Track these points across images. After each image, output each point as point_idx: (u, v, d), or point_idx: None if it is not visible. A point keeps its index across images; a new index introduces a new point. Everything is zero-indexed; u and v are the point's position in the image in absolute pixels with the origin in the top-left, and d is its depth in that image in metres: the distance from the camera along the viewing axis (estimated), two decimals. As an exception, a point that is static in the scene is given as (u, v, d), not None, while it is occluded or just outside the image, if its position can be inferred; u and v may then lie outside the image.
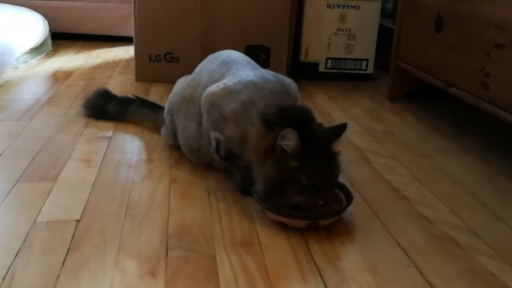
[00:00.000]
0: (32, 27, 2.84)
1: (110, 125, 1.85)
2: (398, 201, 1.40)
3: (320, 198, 1.19)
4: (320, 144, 1.20)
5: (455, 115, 2.15)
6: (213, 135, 1.37)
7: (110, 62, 2.87)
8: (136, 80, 2.50)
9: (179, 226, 1.21)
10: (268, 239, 1.18)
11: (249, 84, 1.33)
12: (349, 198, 1.28)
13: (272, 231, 1.21)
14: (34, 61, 2.79)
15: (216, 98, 1.35)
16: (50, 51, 3.04)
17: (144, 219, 1.24)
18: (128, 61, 2.87)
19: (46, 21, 3.04)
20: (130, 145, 1.70)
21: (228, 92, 1.34)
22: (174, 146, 1.63)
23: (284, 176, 1.18)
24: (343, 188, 1.33)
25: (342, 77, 2.66)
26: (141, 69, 2.49)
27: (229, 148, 1.34)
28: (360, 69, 2.65)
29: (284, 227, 1.22)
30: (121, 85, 2.39)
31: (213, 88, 1.39)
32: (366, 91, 2.51)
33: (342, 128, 1.25)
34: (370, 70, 2.66)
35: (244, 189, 1.38)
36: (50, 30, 3.10)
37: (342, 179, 1.42)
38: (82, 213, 1.25)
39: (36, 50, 2.84)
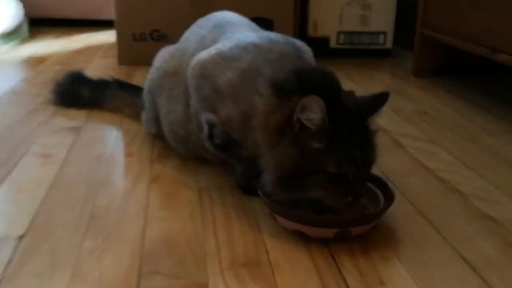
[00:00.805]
0: (3, 10, 2.51)
1: (83, 113, 1.53)
2: (450, 196, 1.07)
3: (351, 193, 0.86)
4: (353, 119, 0.87)
5: (498, 89, 1.81)
6: (205, 117, 1.04)
7: (91, 47, 2.54)
8: (119, 64, 2.17)
9: (159, 242, 0.88)
10: (281, 256, 0.85)
11: (250, 47, 1.00)
12: (389, 196, 0.95)
13: (287, 244, 0.88)
14: (6, 47, 2.46)
15: (207, 68, 1.03)
16: (26, 37, 2.71)
17: (111, 233, 0.91)
18: (112, 45, 2.52)
19: (21, 4, 2.70)
20: (104, 136, 1.38)
21: (223, 58, 1.01)
22: (159, 136, 1.30)
23: (304, 162, 0.85)
24: (378, 181, 0.99)
25: (357, 53, 2.32)
26: (124, 50, 2.17)
27: (226, 133, 1.01)
28: (377, 44, 2.31)
29: (303, 238, 0.89)
30: (101, 70, 2.06)
31: (203, 55, 1.06)
32: (385, 67, 2.17)
33: (382, 98, 0.91)
34: (388, 44, 2.32)
35: (248, 186, 1.05)
36: (27, 15, 2.76)
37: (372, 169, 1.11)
38: (29, 226, 0.92)
39: (8, 36, 2.51)
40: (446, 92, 1.79)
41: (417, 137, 1.37)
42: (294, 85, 0.88)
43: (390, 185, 0.97)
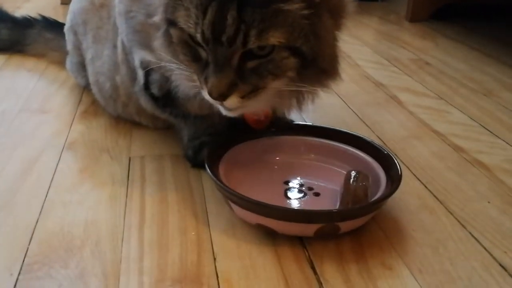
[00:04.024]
0: None
1: (-2, 58, 1.21)
2: (471, 170, 0.79)
3: (204, 66, 0.59)
4: None
5: (507, 37, 1.52)
6: (139, 58, 0.75)
7: (36, -15, 2.17)
8: (62, 3, 1.83)
9: (53, 242, 0.59)
10: (236, 264, 0.57)
11: None
12: (393, 174, 0.66)
13: (246, 246, 0.60)
14: None
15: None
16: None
17: (-14, 227, 0.62)
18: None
19: None
20: (17, 87, 1.06)
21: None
22: (89, 88, 0.99)
23: (170, 10, 0.60)
24: (378, 152, 0.71)
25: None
26: (68, -14, 1.80)
27: (166, 78, 0.72)
28: (365, -15, 2.00)
29: (270, 237, 0.61)
30: (38, 11, 1.71)
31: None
32: (375, 12, 1.86)
33: None
34: (378, -14, 2.01)
35: (197, 157, 0.77)
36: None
37: (368, 134, 0.84)
38: None
39: None
40: (448, 39, 1.50)
41: (420, 93, 1.09)
42: None
43: (395, 159, 0.69)
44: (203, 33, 0.56)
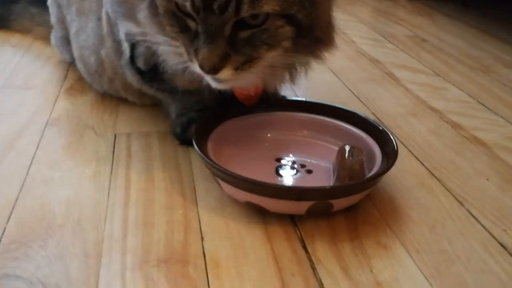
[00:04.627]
0: None
1: (-18, 34, 1.17)
2: (468, 147, 0.76)
3: (194, 37, 0.55)
4: None
5: (503, 14, 1.48)
6: (124, 29, 0.72)
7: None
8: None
9: (33, 221, 0.57)
10: (225, 244, 0.54)
11: None
12: (389, 151, 0.64)
13: (235, 225, 0.57)
14: None
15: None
16: None
17: (-37, 206, 0.59)
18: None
19: None
20: (1, 63, 1.02)
21: None
22: (74, 65, 0.95)
23: None
24: (372, 129, 0.68)
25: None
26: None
27: (153, 51, 0.68)
28: (361, -38, 1.95)
29: (260, 215, 0.58)
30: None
31: None
32: (371, -11, 1.82)
33: None
34: (374, -37, 1.96)
35: (185, 134, 0.73)
36: None
37: (364, 111, 0.81)
38: None
39: None
40: (446, 16, 1.46)
41: (416, 69, 1.06)
42: None
43: (391, 135, 0.66)
44: (193, 1, 0.53)
